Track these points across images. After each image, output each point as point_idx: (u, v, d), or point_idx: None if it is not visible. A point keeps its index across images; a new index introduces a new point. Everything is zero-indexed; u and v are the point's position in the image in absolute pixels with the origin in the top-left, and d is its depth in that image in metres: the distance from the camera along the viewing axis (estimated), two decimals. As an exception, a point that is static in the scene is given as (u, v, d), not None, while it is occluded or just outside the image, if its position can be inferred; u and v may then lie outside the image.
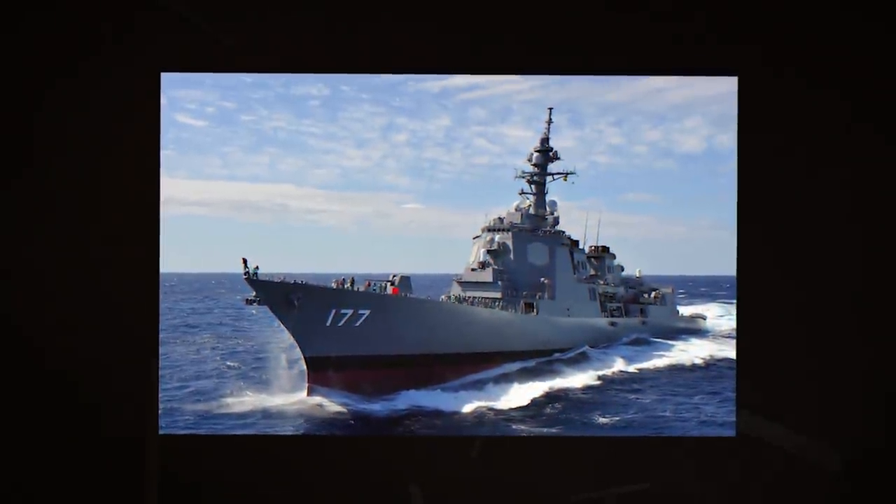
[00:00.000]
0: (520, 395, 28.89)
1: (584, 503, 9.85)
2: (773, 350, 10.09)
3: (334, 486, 10.36)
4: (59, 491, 10.20)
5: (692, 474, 10.15)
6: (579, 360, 38.72)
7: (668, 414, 26.65)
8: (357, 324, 28.29)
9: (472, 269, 41.58)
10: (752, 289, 10.15)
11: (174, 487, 10.34)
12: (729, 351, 42.37)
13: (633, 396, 30.32)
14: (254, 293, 26.87)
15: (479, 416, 25.97)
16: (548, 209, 46.44)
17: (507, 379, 31.84)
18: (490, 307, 37.53)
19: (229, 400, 26.66)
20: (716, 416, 26.08)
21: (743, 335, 10.19)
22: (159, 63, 10.22)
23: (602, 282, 49.34)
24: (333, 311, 27.59)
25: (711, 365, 40.48)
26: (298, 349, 27.79)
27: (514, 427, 24.30)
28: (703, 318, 61.76)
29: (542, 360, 37.59)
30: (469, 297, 38.74)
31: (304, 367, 27.70)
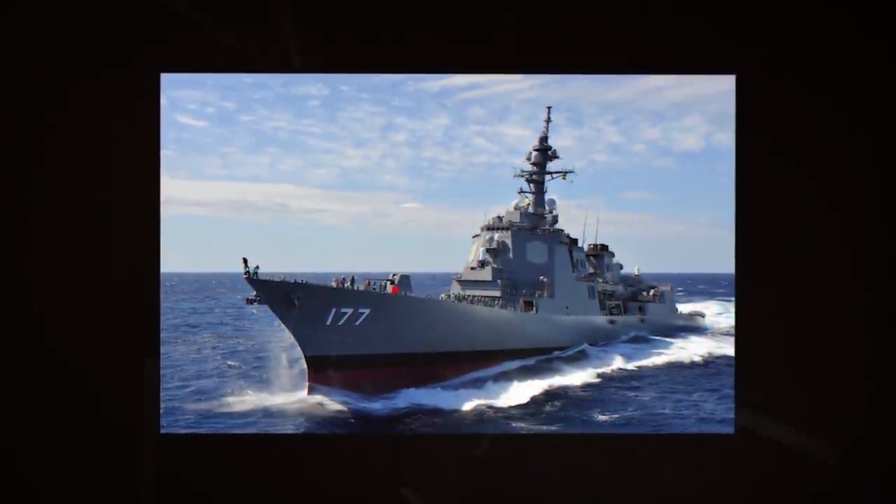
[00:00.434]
0: (519, 393, 28.96)
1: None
2: (772, 347, 10.14)
3: (335, 484, 10.40)
4: (60, 490, 10.24)
5: (691, 471, 10.20)
6: (578, 358, 38.83)
7: (667, 411, 26.73)
8: (357, 323, 28.34)
9: (472, 268, 41.68)
10: (750, 286, 10.20)
11: (175, 486, 10.39)
12: (728, 348, 42.50)
13: (632, 394, 30.40)
14: (254, 293, 26.92)
15: (478, 414, 26.03)
16: (547, 208, 46.54)
17: (507, 377, 31.92)
18: (489, 305, 37.60)
19: (230, 399, 26.71)
20: (715, 412, 26.16)
21: (742, 332, 10.23)
22: (159, 63, 10.26)
23: (601, 280, 49.45)
24: (333, 311, 27.64)
25: (710, 362, 40.61)
26: (299, 348, 27.85)
27: (513, 425, 24.36)
28: (702, 315, 61.92)
29: (541, 358, 37.69)
30: (468, 296, 38.82)
31: (305, 366, 27.75)
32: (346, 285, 28.74)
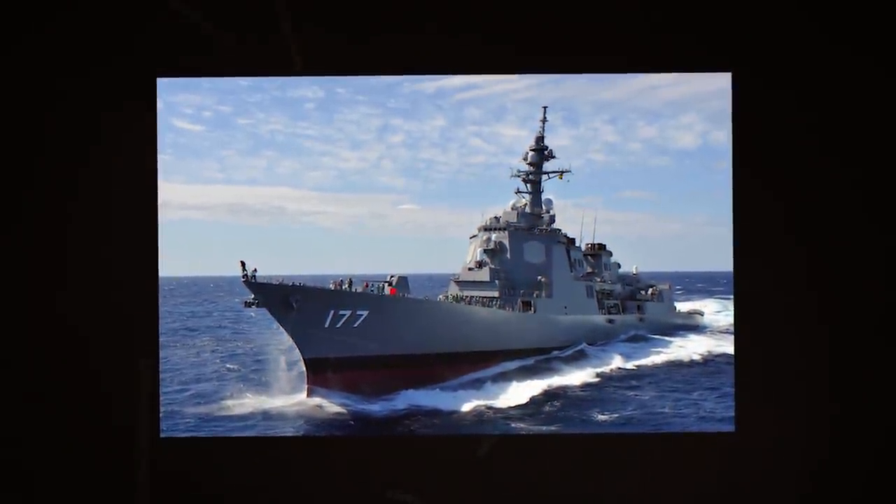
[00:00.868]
0: (518, 393, 28.95)
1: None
2: (772, 344, 10.14)
3: (335, 486, 10.39)
4: (59, 493, 10.22)
5: (692, 470, 10.20)
6: (577, 358, 38.80)
7: (666, 410, 26.73)
8: (355, 325, 28.33)
9: (470, 269, 41.64)
10: (749, 284, 10.20)
11: (176, 490, 10.37)
12: (727, 346, 42.47)
13: (631, 393, 30.40)
14: (252, 296, 26.90)
15: (478, 415, 26.02)
16: (544, 207, 46.51)
17: (506, 377, 31.90)
18: (488, 306, 37.57)
19: (229, 402, 26.69)
20: (715, 411, 26.16)
21: (741, 330, 10.23)
22: (155, 68, 10.24)
23: (599, 279, 49.44)
24: (332, 313, 27.63)
25: (710, 360, 40.59)
26: (297, 351, 27.83)
27: (512, 425, 24.35)
28: (701, 313, 61.86)
29: (540, 358, 37.66)
30: (466, 297, 38.79)
31: (304, 368, 27.73)
32: (344, 287, 28.72)
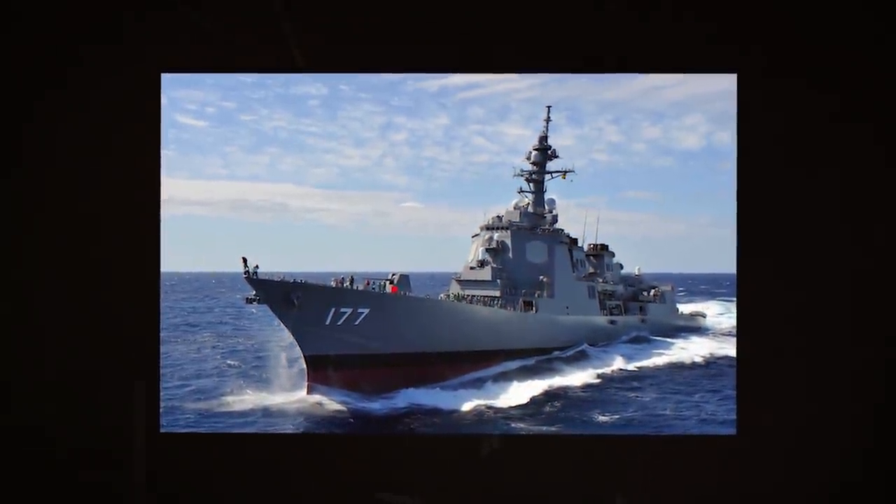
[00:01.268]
0: (519, 393, 28.91)
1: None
2: (774, 347, 10.10)
3: (334, 483, 10.37)
4: (60, 486, 10.22)
5: (693, 472, 10.17)
6: (579, 359, 38.74)
7: (668, 412, 26.66)
8: (356, 322, 28.30)
9: (471, 268, 41.59)
10: (752, 286, 10.16)
11: (175, 485, 10.36)
12: (729, 349, 42.42)
13: (632, 395, 30.33)
14: (254, 292, 26.89)
15: (478, 415, 25.98)
16: (546, 207, 46.44)
17: (507, 377, 31.86)
18: (489, 305, 37.53)
19: (230, 398, 26.68)
20: (716, 414, 26.09)
21: (743, 333, 10.20)
22: (159, 64, 10.22)
23: (601, 280, 49.37)
24: (333, 310, 27.60)
25: (711, 363, 40.51)
26: (298, 348, 27.82)
27: (513, 425, 24.31)
28: (703, 315, 61.77)
29: (541, 358, 37.60)
30: (468, 296, 38.75)
31: (304, 365, 27.72)
32: (345, 285, 28.70)
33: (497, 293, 39.32)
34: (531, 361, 36.59)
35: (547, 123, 46.88)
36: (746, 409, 10.16)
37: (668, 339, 48.66)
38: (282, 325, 27.85)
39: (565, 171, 46.93)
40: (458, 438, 13.48)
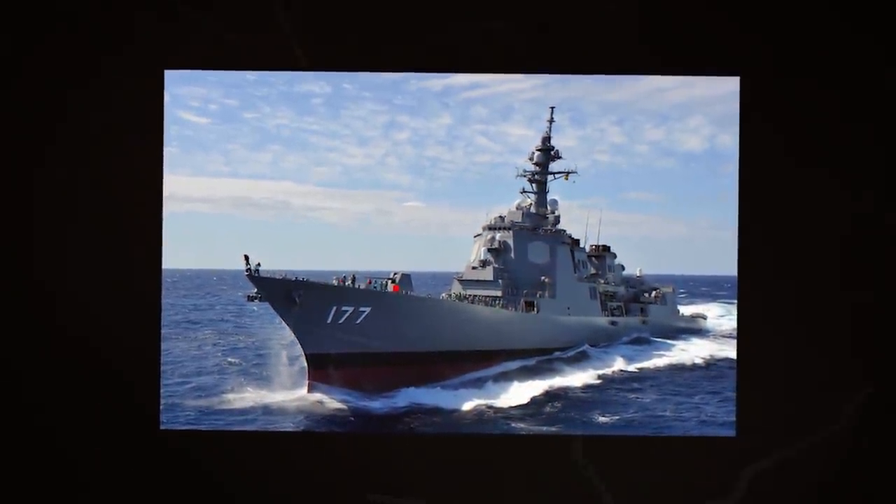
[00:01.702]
0: (519, 393, 28.95)
1: None
2: (774, 350, 10.11)
3: (334, 482, 10.39)
4: (58, 485, 10.24)
5: (692, 474, 10.17)
6: (579, 359, 38.78)
7: (668, 413, 26.70)
8: (358, 321, 28.35)
9: (473, 268, 41.63)
10: (752, 289, 10.17)
11: (174, 483, 10.38)
12: (729, 351, 42.43)
13: (633, 396, 30.37)
14: (255, 290, 26.93)
15: (478, 414, 26.03)
16: (549, 208, 46.48)
17: (507, 377, 31.90)
18: (491, 305, 37.57)
19: (230, 396, 26.74)
20: (716, 415, 26.13)
21: (744, 335, 10.20)
22: (162, 60, 10.24)
23: (603, 281, 49.39)
24: (334, 309, 27.65)
25: (712, 364, 40.56)
26: (299, 346, 27.86)
27: (513, 425, 24.35)
28: (704, 317, 61.81)
29: (542, 358, 37.64)
30: (470, 296, 38.79)
31: (305, 363, 27.76)
32: (347, 283, 28.74)
33: (499, 293, 39.35)
34: (532, 361, 36.62)
35: (550, 124, 46.91)
36: (746, 411, 10.16)
37: (669, 341, 48.70)
38: (283, 323, 27.90)
39: (568, 172, 46.96)
40: (458, 438, 13.50)
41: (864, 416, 10.04)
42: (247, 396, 26.69)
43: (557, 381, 32.04)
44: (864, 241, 10.03)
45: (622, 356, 40.12)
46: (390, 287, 30.74)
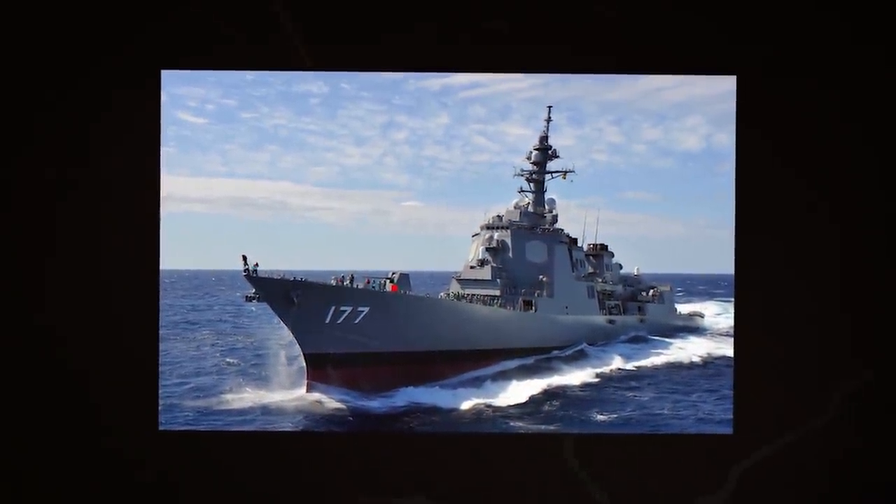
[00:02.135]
0: (518, 392, 29.00)
1: None
2: (771, 348, 10.14)
3: (332, 483, 10.41)
4: (57, 487, 10.25)
5: (689, 472, 10.21)
6: (577, 358, 38.85)
7: (665, 411, 26.77)
8: (356, 321, 28.37)
9: (471, 267, 41.66)
10: (749, 287, 10.20)
11: (172, 483, 10.39)
12: (727, 349, 42.53)
13: (630, 394, 30.43)
14: (253, 290, 26.94)
15: (477, 413, 26.07)
16: (547, 207, 46.54)
17: (506, 376, 31.96)
18: (489, 304, 37.61)
19: (229, 396, 26.75)
20: (713, 413, 26.21)
21: (741, 333, 10.24)
22: (159, 60, 10.25)
23: (600, 280, 49.47)
24: (333, 308, 27.66)
25: (709, 363, 40.67)
26: (298, 346, 27.87)
27: (511, 424, 24.39)
28: (702, 316, 61.96)
29: (540, 357, 37.70)
30: (468, 295, 38.82)
31: (304, 363, 27.78)
32: (345, 283, 28.75)
33: (497, 292, 39.40)
34: (530, 360, 36.68)
35: (548, 123, 46.97)
36: (743, 408, 10.20)
37: (667, 339, 48.81)
38: (281, 323, 27.91)
39: (565, 171, 47.05)
40: (457, 437, 13.52)
41: (862, 414, 10.08)
42: (245, 397, 26.70)
43: (556, 380, 32.10)
44: (862, 240, 10.07)
45: (620, 355, 40.20)
46: (388, 287, 30.77)
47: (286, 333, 28.79)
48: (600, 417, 25.42)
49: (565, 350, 40.19)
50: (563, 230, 46.20)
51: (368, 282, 30.28)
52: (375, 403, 26.84)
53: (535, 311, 40.07)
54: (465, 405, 26.84)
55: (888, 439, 10.07)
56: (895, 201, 9.98)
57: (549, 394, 29.55)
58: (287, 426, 23.39)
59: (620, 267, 55.73)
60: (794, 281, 10.12)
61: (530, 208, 45.50)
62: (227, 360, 37.29)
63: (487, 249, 42.20)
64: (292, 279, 27.00)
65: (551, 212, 46.48)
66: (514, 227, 43.25)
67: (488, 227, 43.55)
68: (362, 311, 28.46)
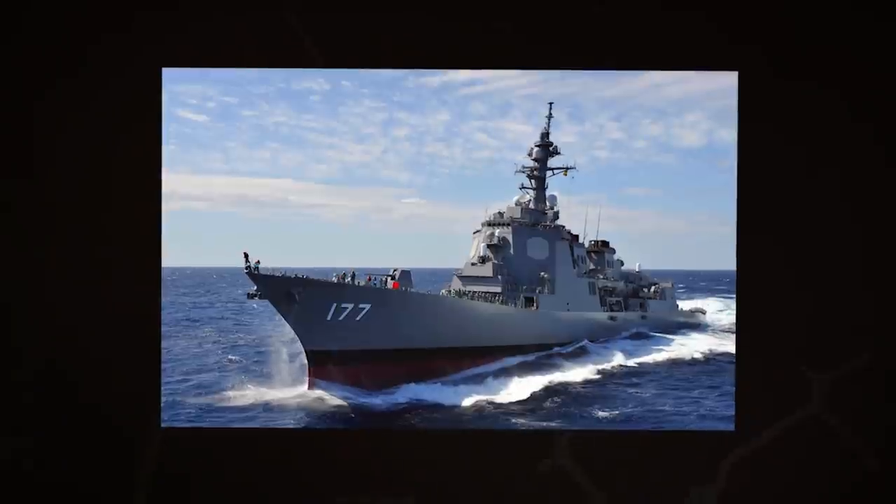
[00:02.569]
0: (519, 388, 29.02)
1: None
2: (773, 344, 10.14)
3: (334, 479, 10.43)
4: (60, 485, 10.28)
5: (691, 468, 10.22)
6: (579, 355, 38.86)
7: (667, 408, 26.75)
8: (358, 318, 28.36)
9: (473, 264, 41.65)
10: (751, 283, 10.20)
11: (175, 480, 10.41)
12: (728, 345, 42.53)
13: (632, 390, 30.42)
14: (255, 287, 26.93)
15: (478, 410, 26.08)
16: (548, 204, 46.49)
17: (507, 373, 31.99)
18: (490, 301, 37.59)
19: (231, 393, 26.77)
20: (715, 409, 26.20)
21: (743, 329, 10.23)
22: (160, 58, 10.24)
23: (602, 276, 49.45)
24: (334, 306, 27.65)
25: (711, 359, 40.65)
26: (299, 343, 27.88)
27: (513, 420, 24.40)
28: (703, 312, 61.93)
29: (541, 354, 37.71)
30: (469, 292, 38.83)
31: (305, 360, 27.79)
32: (346, 280, 28.75)
33: (498, 289, 39.39)
34: (532, 357, 36.69)
35: (549, 120, 46.91)
36: (745, 405, 10.20)
37: (668, 336, 48.81)
38: (283, 320, 27.92)
39: (566, 168, 47.03)
40: (458, 433, 13.54)
41: (863, 412, 10.08)
42: (247, 394, 26.72)
43: (557, 377, 32.10)
44: (863, 236, 10.06)
45: (621, 351, 40.19)
46: (390, 284, 30.76)
47: (288, 330, 28.81)
48: (602, 414, 25.41)
49: (567, 347, 40.20)
50: (564, 227, 46.16)
51: (370, 279, 30.28)
52: (377, 400, 26.86)
53: (537, 307, 40.06)
54: (467, 402, 26.85)
55: (889, 436, 10.07)
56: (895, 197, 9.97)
57: (551, 390, 29.55)
58: (289, 423, 23.41)
59: (622, 263, 55.71)
60: (796, 276, 10.12)
61: (531, 205, 45.46)
62: (229, 357, 37.32)
63: (489, 246, 42.16)
64: (294, 276, 26.99)
65: (552, 208, 46.43)
66: (515, 223, 43.20)
67: (489, 224, 43.52)
68: (364, 309, 28.45)
